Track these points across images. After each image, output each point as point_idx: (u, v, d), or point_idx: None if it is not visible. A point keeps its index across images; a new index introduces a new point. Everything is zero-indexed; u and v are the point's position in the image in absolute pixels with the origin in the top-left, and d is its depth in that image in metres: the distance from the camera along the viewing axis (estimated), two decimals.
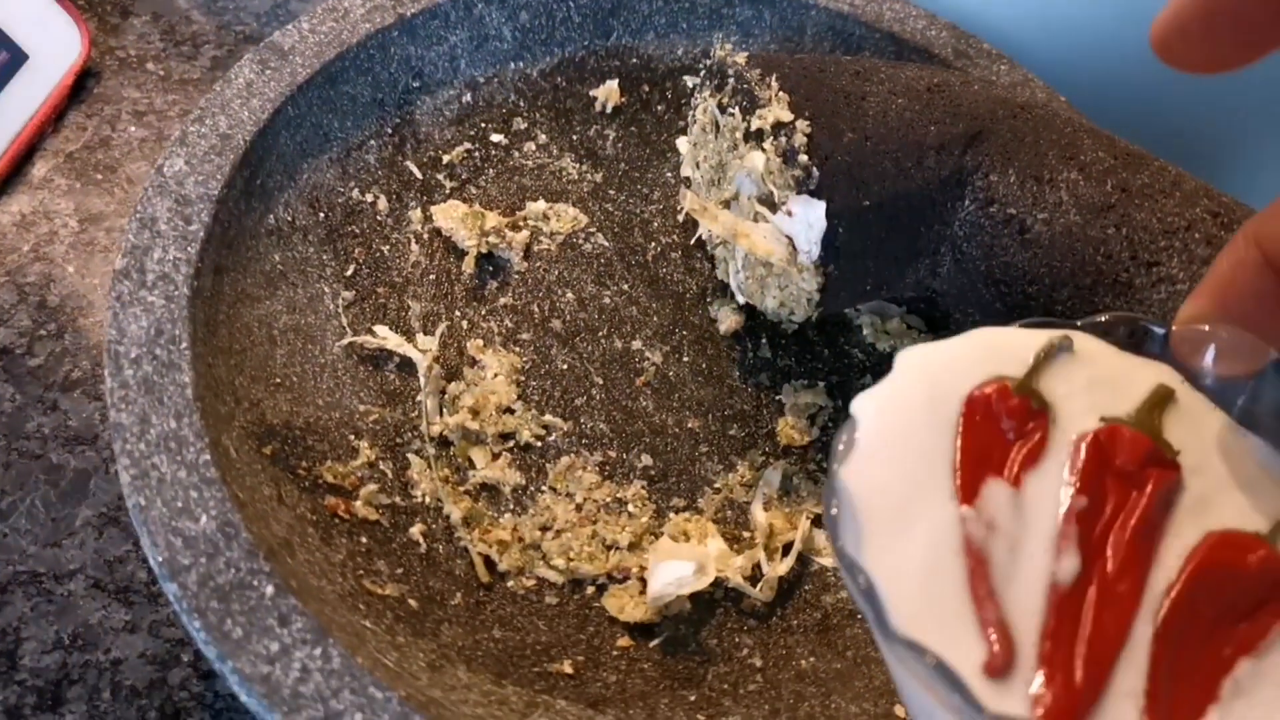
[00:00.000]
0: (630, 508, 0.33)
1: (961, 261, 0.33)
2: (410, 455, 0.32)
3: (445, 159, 0.38)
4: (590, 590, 0.31)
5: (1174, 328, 0.24)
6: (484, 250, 0.36)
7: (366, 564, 0.29)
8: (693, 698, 0.29)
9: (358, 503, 0.30)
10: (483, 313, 0.36)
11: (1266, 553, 0.22)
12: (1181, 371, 0.24)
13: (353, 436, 0.32)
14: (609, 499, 0.33)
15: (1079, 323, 0.24)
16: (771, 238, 0.32)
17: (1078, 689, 0.20)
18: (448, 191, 0.38)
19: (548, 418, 0.34)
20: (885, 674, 0.30)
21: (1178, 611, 0.21)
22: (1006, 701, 0.19)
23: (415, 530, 0.30)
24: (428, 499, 0.31)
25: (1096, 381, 0.23)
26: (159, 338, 0.29)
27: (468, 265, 0.36)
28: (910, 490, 0.21)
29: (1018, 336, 0.24)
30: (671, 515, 0.33)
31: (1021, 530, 0.22)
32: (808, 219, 0.31)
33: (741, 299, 0.35)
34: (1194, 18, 0.19)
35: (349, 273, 0.35)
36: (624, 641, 0.30)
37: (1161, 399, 0.23)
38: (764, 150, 0.31)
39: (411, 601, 0.29)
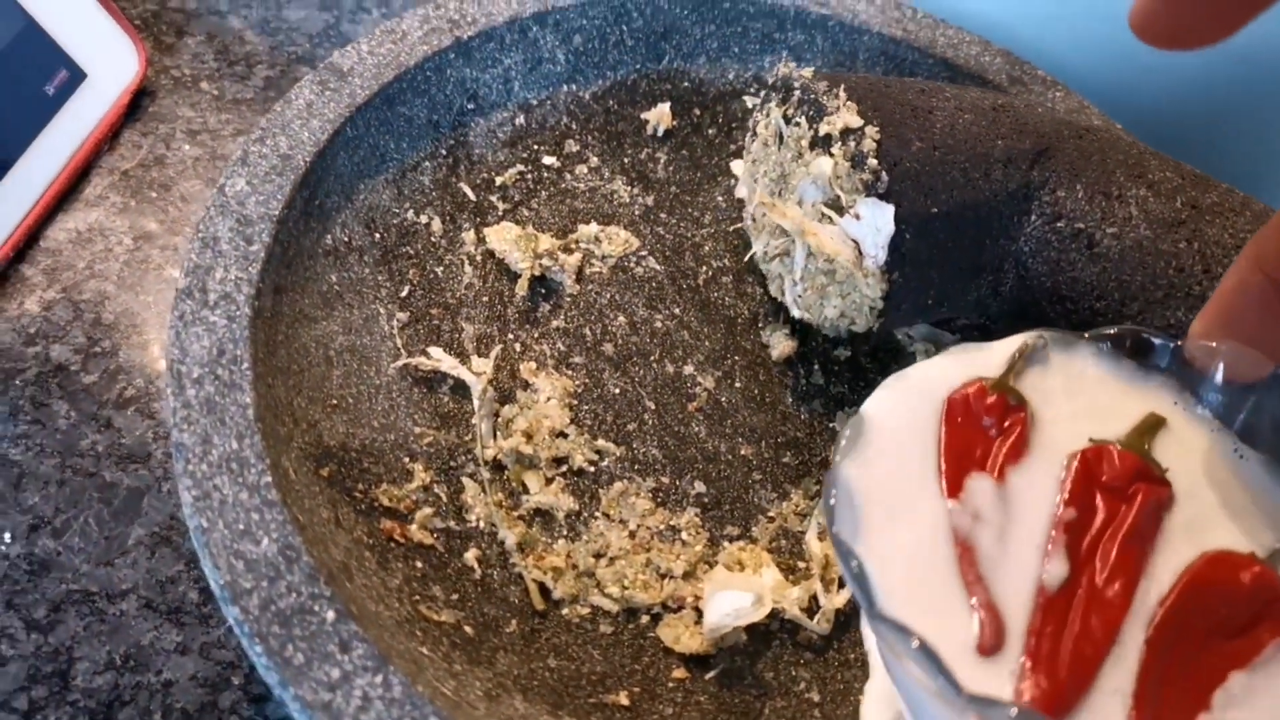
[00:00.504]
0: (684, 535, 0.32)
1: (1026, 278, 0.32)
2: (464, 479, 0.32)
3: (498, 181, 0.38)
4: (645, 620, 0.31)
5: (1182, 343, 0.25)
6: (537, 273, 0.36)
7: (422, 589, 0.29)
8: None
9: (413, 526, 0.30)
10: (535, 335, 0.36)
11: (1261, 571, 0.23)
12: (1187, 384, 0.25)
13: (407, 459, 0.32)
14: (662, 526, 0.32)
15: (1086, 334, 0.26)
16: (838, 241, 0.31)
17: (1062, 682, 0.21)
18: (500, 213, 0.38)
19: (600, 442, 0.34)
20: None
21: (1169, 621, 0.22)
22: (989, 686, 0.20)
23: (470, 555, 0.30)
24: (482, 523, 0.31)
25: (1071, 379, 0.25)
26: (221, 358, 0.29)
27: (521, 288, 0.36)
28: (902, 485, 0.23)
29: (998, 346, 0.26)
30: (726, 544, 0.32)
31: (1008, 521, 0.23)
32: (875, 223, 0.31)
33: (798, 313, 0.35)
34: None
35: (403, 294, 0.35)
36: (679, 673, 0.29)
37: (1153, 425, 0.25)
38: (832, 155, 0.31)
39: (467, 628, 0.29)
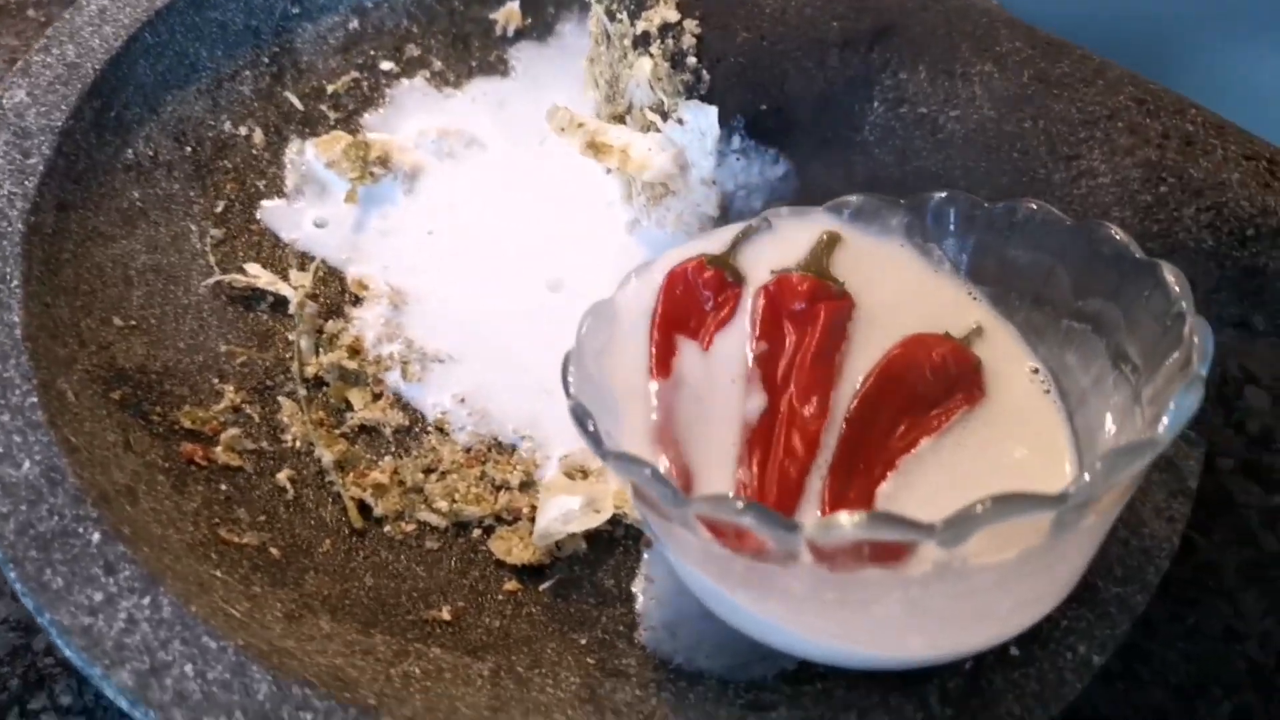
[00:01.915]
0: (523, 448, 0.30)
1: (874, 171, 0.30)
2: (281, 398, 0.30)
3: (330, 89, 0.36)
4: (476, 534, 0.29)
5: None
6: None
7: (225, 512, 0.27)
8: (584, 641, 0.26)
9: (218, 449, 0.28)
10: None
11: (953, 347, 0.25)
12: (920, 234, 0.27)
13: (217, 380, 0.29)
14: (501, 439, 0.30)
15: (823, 206, 0.27)
16: (656, 153, 0.29)
17: (773, 505, 0.23)
18: (332, 123, 0.35)
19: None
20: None
21: (866, 402, 0.25)
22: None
23: (283, 475, 0.28)
24: (299, 443, 0.29)
25: (784, 250, 0.26)
26: None
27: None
28: (631, 363, 0.25)
29: (738, 228, 0.27)
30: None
31: (708, 383, 0.25)
32: (699, 127, 0.28)
33: (646, 223, 0.33)
34: None
35: (219, 210, 0.33)
36: (511, 585, 0.28)
37: (829, 243, 0.27)
38: (651, 55, 0.29)
39: (273, 550, 0.27)
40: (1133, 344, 0.23)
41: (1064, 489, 0.19)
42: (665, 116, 0.29)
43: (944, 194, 0.26)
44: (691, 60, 0.29)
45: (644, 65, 0.29)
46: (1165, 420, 0.19)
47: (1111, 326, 0.24)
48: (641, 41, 0.30)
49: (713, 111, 0.28)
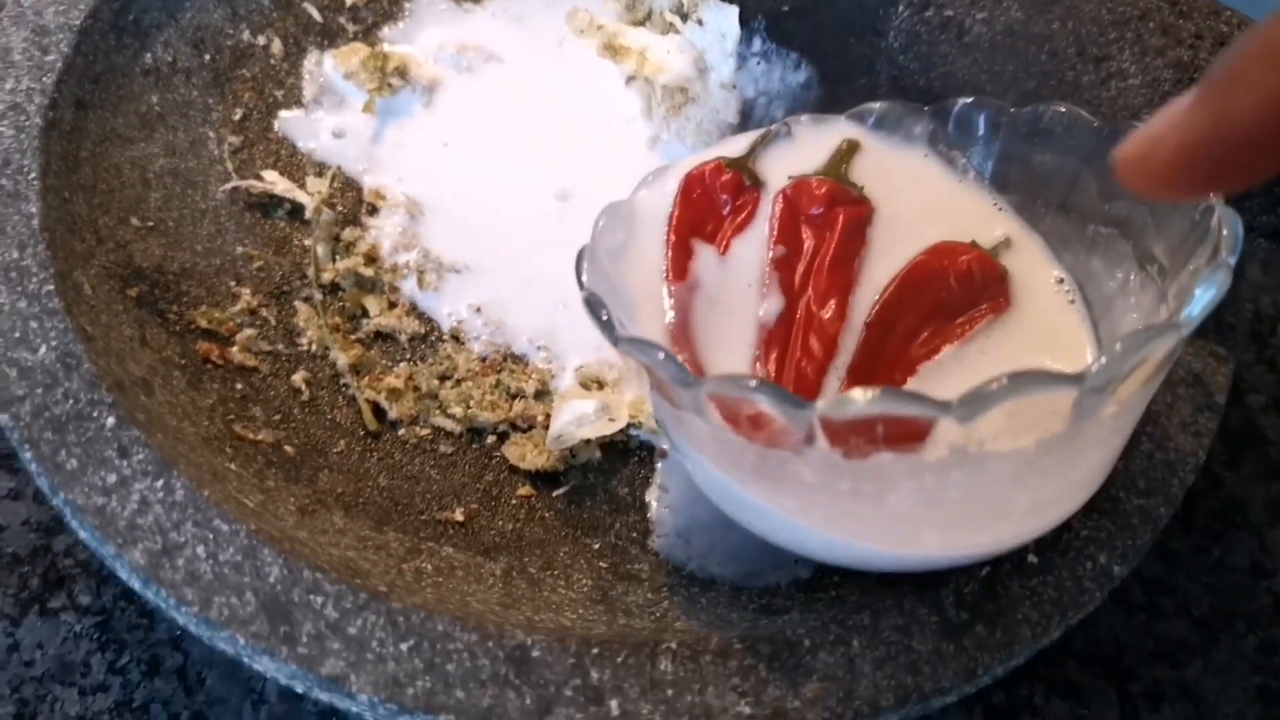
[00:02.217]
0: (539, 358, 0.30)
1: (899, 79, 0.29)
2: (297, 303, 0.30)
3: (349, 2, 0.36)
4: (491, 439, 0.28)
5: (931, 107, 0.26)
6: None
7: (240, 410, 0.27)
8: (596, 545, 0.26)
9: (234, 349, 0.28)
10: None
11: (979, 256, 0.25)
12: (944, 142, 0.26)
13: (233, 283, 0.29)
14: (517, 349, 0.30)
15: (845, 114, 0.27)
16: (675, 56, 0.28)
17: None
18: (351, 35, 0.35)
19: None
20: None
21: (888, 306, 0.24)
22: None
23: (298, 377, 0.28)
24: (314, 347, 0.29)
25: (804, 156, 0.26)
26: (5, 167, 0.26)
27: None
28: (648, 267, 0.25)
29: (757, 134, 0.27)
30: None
31: (724, 286, 0.24)
32: (720, 27, 0.28)
33: (666, 136, 0.32)
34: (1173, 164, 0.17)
35: (237, 117, 0.32)
36: (525, 490, 0.27)
37: (848, 150, 0.26)
38: None
39: (288, 448, 0.27)
40: (1159, 244, 0.23)
41: (1083, 368, 0.18)
42: (685, 18, 0.28)
43: (969, 100, 0.26)
44: None
45: None
46: (1190, 304, 0.19)
47: (1139, 228, 0.23)
48: None
49: (733, 11, 0.28)
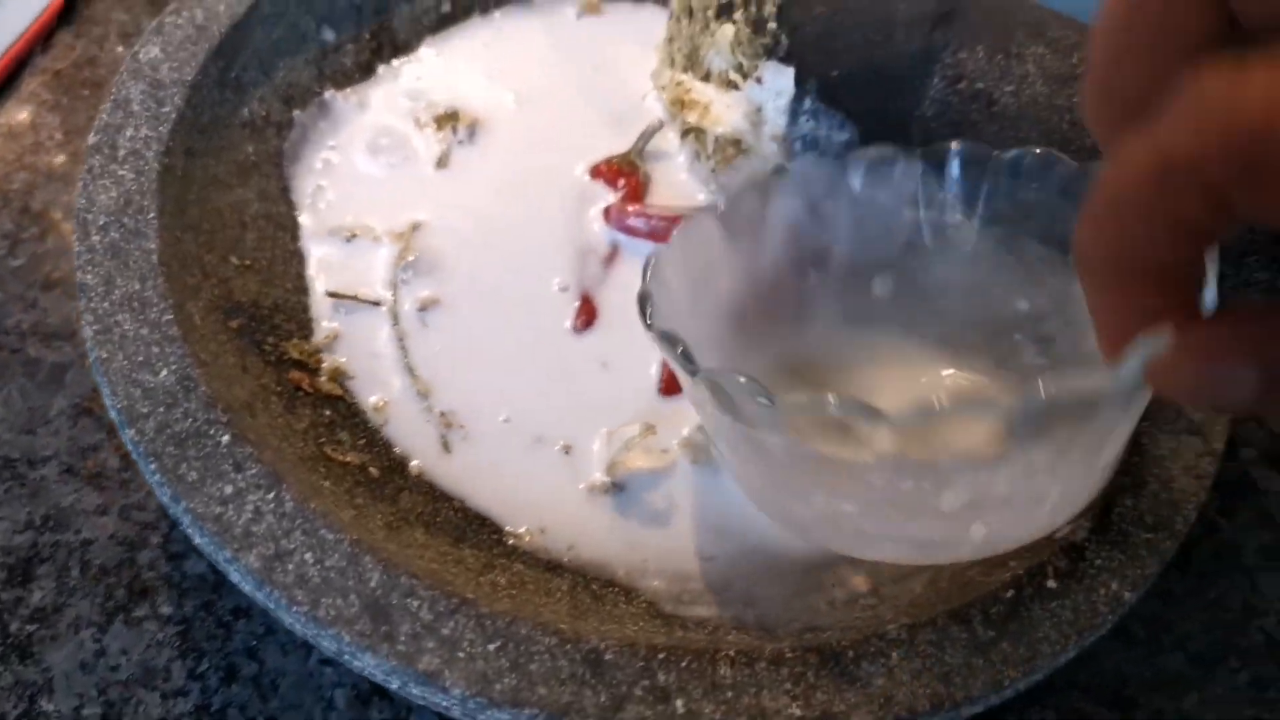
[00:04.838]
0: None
1: (931, 142, 0.33)
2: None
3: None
4: None
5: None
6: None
7: (329, 434, 0.29)
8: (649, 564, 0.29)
9: (322, 378, 0.31)
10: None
11: None
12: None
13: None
14: None
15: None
16: (734, 110, 0.32)
17: None
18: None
19: None
20: None
21: None
22: None
23: (375, 399, 0.31)
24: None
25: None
26: (127, 208, 0.29)
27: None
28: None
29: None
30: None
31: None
32: (776, 86, 0.31)
33: (711, 189, 0.36)
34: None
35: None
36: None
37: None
38: (734, 21, 0.32)
39: (373, 470, 0.29)
40: None
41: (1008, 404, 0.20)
42: (745, 76, 0.32)
43: (956, 143, 0.29)
44: (772, 26, 0.31)
45: (726, 31, 0.32)
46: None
47: None
48: (725, 10, 0.32)
49: (790, 72, 0.31)
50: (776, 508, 0.26)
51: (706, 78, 0.35)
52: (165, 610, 0.30)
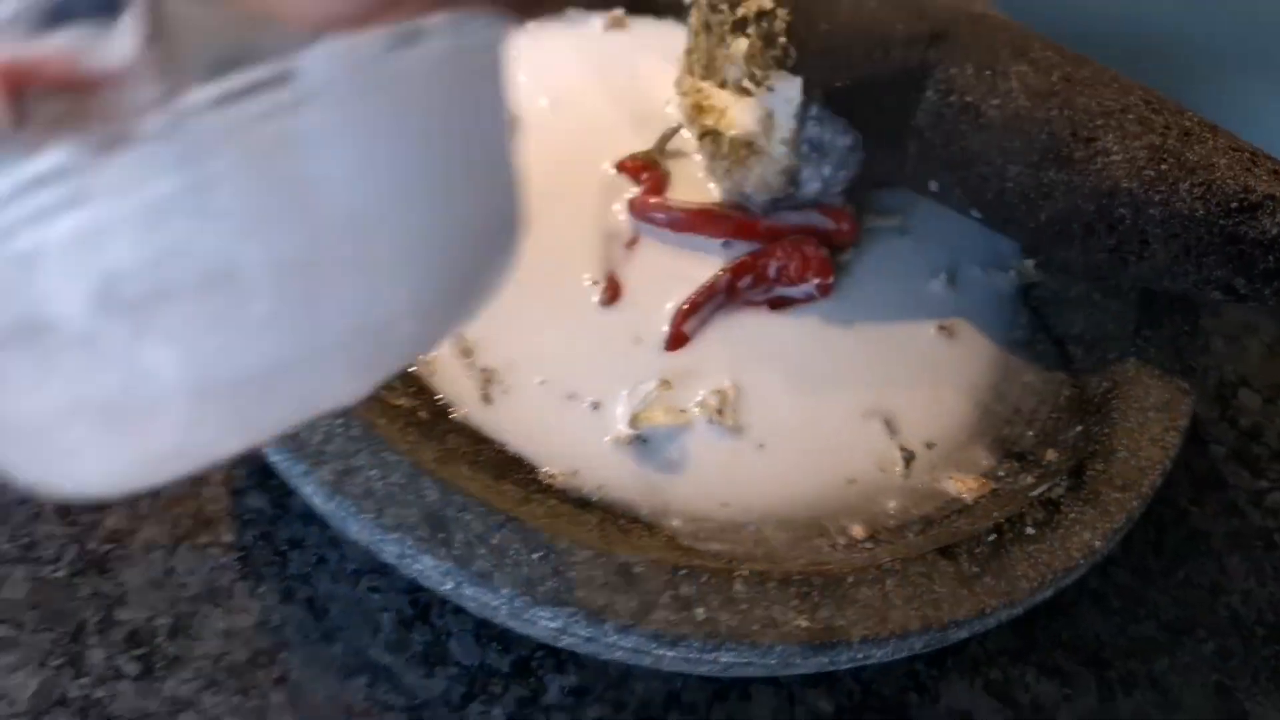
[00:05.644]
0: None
1: (924, 150, 0.36)
2: None
3: None
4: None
5: None
6: None
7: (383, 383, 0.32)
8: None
9: None
10: None
11: None
12: None
13: None
14: None
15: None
16: (749, 113, 0.36)
17: None
18: None
19: None
20: None
21: None
22: None
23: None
24: None
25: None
26: None
27: None
28: None
29: None
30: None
31: None
32: (785, 94, 0.35)
33: (722, 191, 0.39)
34: None
35: None
36: None
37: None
38: (748, 35, 0.36)
39: (422, 414, 0.32)
40: None
41: None
42: (757, 85, 0.36)
43: None
44: (782, 40, 0.35)
45: (741, 45, 0.36)
46: None
47: None
48: (739, 26, 0.36)
49: (798, 81, 0.35)
50: None
51: (722, 85, 0.38)
52: (227, 539, 0.33)
